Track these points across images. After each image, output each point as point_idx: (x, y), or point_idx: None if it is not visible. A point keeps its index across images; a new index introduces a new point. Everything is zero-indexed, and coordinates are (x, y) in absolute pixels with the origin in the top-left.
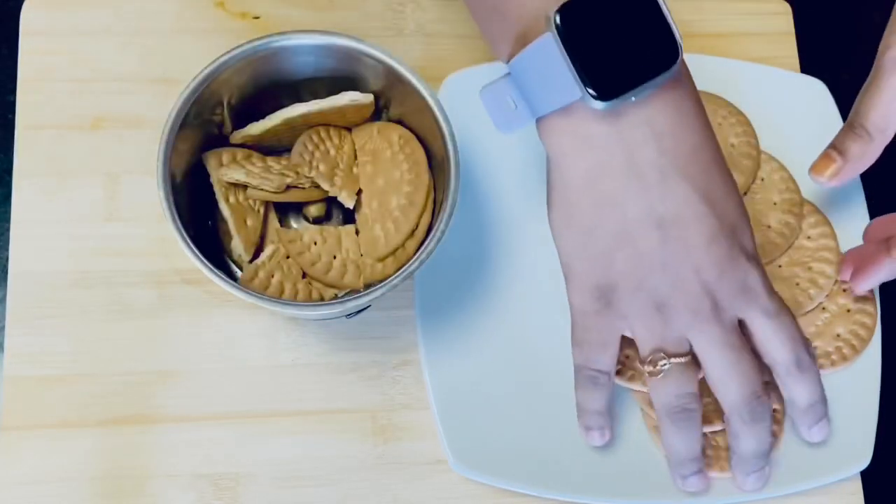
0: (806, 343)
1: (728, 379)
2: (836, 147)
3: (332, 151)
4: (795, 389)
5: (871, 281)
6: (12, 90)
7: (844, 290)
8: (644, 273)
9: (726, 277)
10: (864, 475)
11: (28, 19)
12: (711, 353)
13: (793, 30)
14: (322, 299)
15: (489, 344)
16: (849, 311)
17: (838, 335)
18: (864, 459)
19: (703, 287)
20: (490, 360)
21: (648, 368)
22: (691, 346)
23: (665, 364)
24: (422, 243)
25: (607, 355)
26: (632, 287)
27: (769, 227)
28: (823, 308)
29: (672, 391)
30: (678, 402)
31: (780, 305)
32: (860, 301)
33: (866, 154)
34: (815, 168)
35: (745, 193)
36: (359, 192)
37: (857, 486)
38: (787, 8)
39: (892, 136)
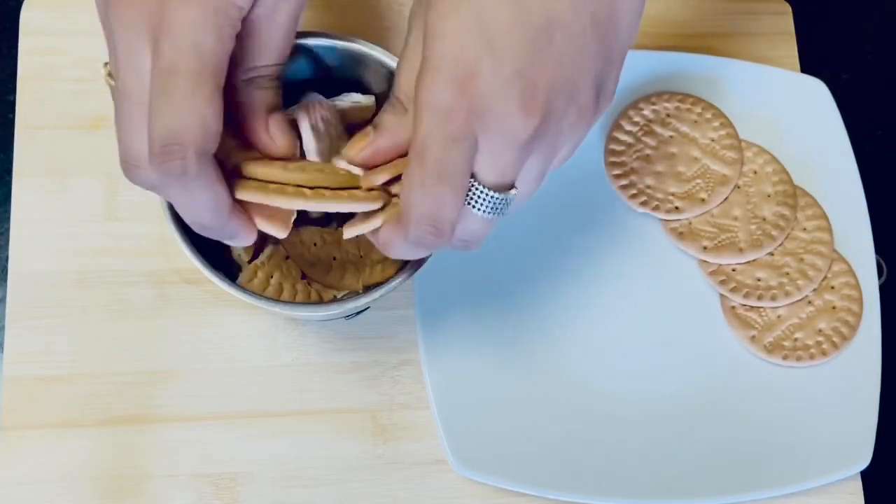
0: (195, 138)
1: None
2: (373, 124)
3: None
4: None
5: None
6: (12, 90)
7: (833, 287)
8: None
9: None
10: (864, 475)
11: (28, 19)
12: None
13: (793, 30)
14: (321, 300)
15: (489, 344)
16: (834, 308)
17: (820, 330)
18: (864, 459)
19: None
20: (490, 360)
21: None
22: None
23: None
24: None
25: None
26: None
27: (764, 219)
28: (809, 301)
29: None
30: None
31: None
32: (846, 300)
33: (401, 125)
34: (351, 146)
35: (738, 187)
36: None
37: (857, 486)
38: (787, 8)
39: None
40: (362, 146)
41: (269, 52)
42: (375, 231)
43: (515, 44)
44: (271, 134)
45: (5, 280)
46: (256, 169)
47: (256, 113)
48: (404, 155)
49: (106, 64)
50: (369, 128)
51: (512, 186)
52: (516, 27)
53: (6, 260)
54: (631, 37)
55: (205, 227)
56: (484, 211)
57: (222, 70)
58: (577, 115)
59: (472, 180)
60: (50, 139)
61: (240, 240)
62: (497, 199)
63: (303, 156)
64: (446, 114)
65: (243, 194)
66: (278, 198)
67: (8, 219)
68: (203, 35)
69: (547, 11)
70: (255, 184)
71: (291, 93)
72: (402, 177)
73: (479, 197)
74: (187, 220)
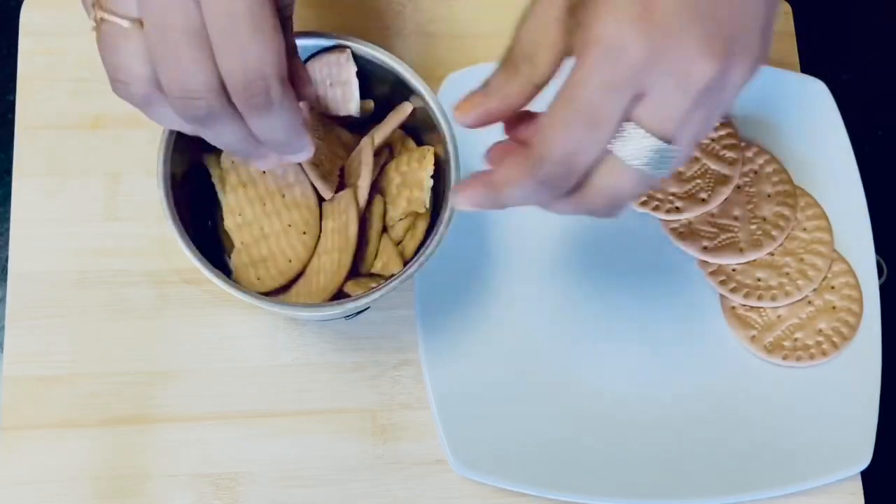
0: (276, 72)
1: (159, 64)
2: (483, 84)
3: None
4: (254, 125)
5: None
6: (12, 90)
7: (833, 287)
8: None
9: None
10: (864, 475)
11: (28, 19)
12: (146, 19)
13: (793, 30)
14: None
15: (489, 344)
16: (834, 308)
17: (820, 330)
18: (864, 459)
19: None
20: (490, 360)
21: (96, 18)
22: None
23: (101, 17)
24: (422, 244)
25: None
26: None
27: (764, 219)
28: (809, 301)
29: (107, 64)
30: (116, 81)
31: (260, 12)
32: (846, 300)
33: (509, 86)
34: (458, 107)
35: (738, 187)
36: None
37: (857, 486)
38: (787, 8)
39: (543, 70)
40: (471, 106)
41: None
42: (477, 178)
43: None
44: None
45: (5, 280)
46: None
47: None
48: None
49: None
50: (479, 88)
51: (670, 141)
52: None
53: (6, 260)
54: None
55: (280, 144)
56: (641, 161)
57: (275, 11)
58: (747, 65)
59: (631, 124)
60: (50, 139)
61: (306, 152)
62: (658, 148)
63: None
64: (616, 51)
65: None
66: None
67: (8, 219)
68: None
69: None
70: None
71: None
72: (544, 113)
73: (636, 145)
74: (259, 140)
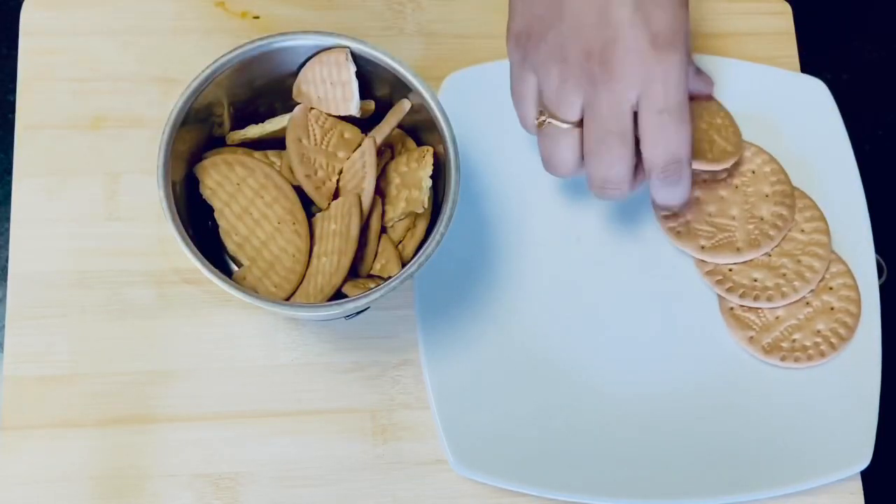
0: (689, 153)
1: (592, 156)
2: None
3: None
4: (660, 194)
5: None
6: (12, 90)
7: (831, 288)
8: (552, 21)
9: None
10: (864, 475)
11: (28, 19)
12: (589, 123)
13: (793, 30)
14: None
15: (489, 344)
16: (832, 308)
17: (818, 331)
18: (864, 459)
19: (603, 46)
20: (490, 360)
21: (540, 121)
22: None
23: (545, 120)
24: (421, 244)
25: (526, 108)
26: (538, 36)
27: (762, 218)
28: (807, 303)
29: (545, 152)
30: (549, 164)
31: (682, 108)
32: (844, 301)
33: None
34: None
35: (737, 187)
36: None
37: (857, 486)
38: (787, 8)
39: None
40: None
41: None
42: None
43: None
44: None
45: (5, 280)
46: None
47: None
48: None
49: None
50: None
51: None
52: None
53: (6, 260)
54: None
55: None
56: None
57: None
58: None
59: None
60: (50, 139)
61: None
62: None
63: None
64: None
65: None
66: None
67: (8, 219)
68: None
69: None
70: None
71: (291, 93)
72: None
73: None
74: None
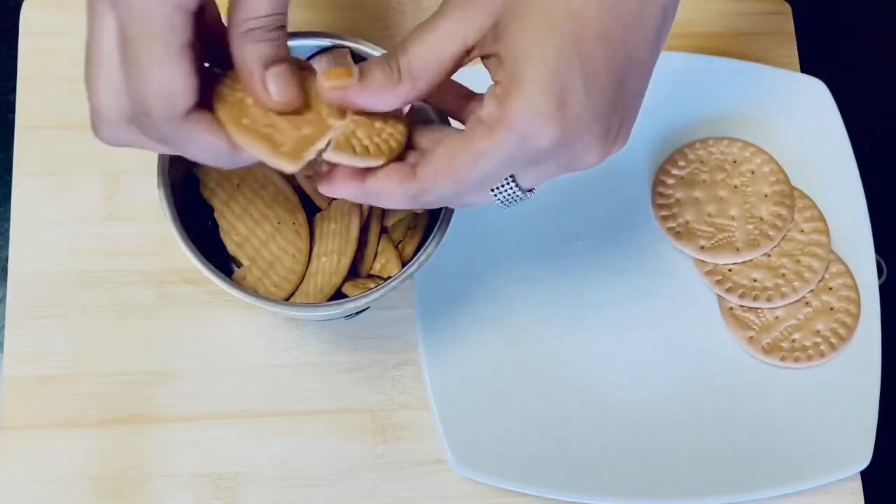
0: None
1: None
2: (363, 67)
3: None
4: None
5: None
6: (12, 90)
7: (831, 289)
8: None
9: None
10: (864, 475)
11: (28, 19)
12: None
13: (793, 30)
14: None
15: (489, 344)
16: (832, 308)
17: (818, 331)
18: (864, 459)
19: None
20: (490, 360)
21: None
22: None
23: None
24: (421, 244)
25: None
26: None
27: (761, 218)
28: (807, 303)
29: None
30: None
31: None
32: (844, 301)
33: (383, 95)
34: (328, 74)
35: (736, 187)
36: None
37: (857, 486)
38: (787, 8)
39: (423, 89)
40: (338, 86)
41: (258, 2)
42: (354, 175)
43: (605, 82)
44: (267, 87)
45: (5, 280)
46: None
47: (250, 68)
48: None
49: None
50: (354, 69)
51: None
52: (606, 63)
53: (6, 260)
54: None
55: (218, 160)
56: (500, 199)
57: (179, 30)
58: (613, 151)
59: (510, 181)
60: (50, 139)
61: (245, 163)
62: (519, 196)
63: None
64: (528, 139)
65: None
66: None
67: (8, 219)
68: None
69: (627, 50)
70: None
71: None
72: (443, 155)
73: (506, 191)
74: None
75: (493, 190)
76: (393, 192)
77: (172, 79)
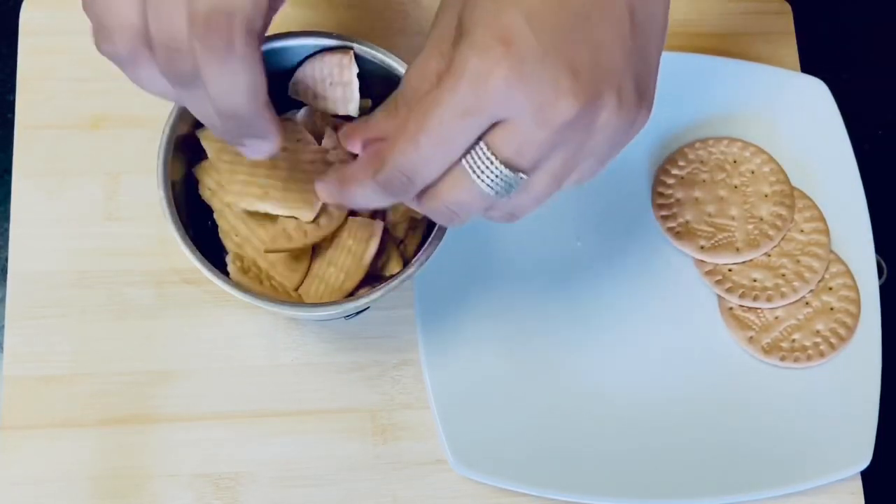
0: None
1: None
2: (367, 120)
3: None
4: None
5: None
6: (12, 90)
7: (831, 289)
8: None
9: None
10: (864, 475)
11: (28, 19)
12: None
13: (793, 30)
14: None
15: (489, 344)
16: (832, 309)
17: (818, 331)
18: (864, 459)
19: None
20: (490, 360)
21: None
22: None
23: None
24: (422, 244)
25: None
26: None
27: (761, 218)
28: (807, 303)
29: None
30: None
31: None
32: (844, 301)
33: (386, 126)
34: (347, 133)
35: (736, 187)
36: None
37: (857, 486)
38: (787, 8)
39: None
40: (356, 134)
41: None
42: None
43: (555, 18)
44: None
45: (5, 280)
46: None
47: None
48: None
49: None
50: (362, 121)
51: (523, 172)
52: (556, 4)
53: (6, 260)
54: (660, 49)
55: (236, 115)
56: (485, 183)
57: None
58: (618, 111)
59: (483, 148)
60: (50, 139)
61: (266, 142)
62: (504, 175)
63: None
64: (477, 78)
65: None
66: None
67: (8, 219)
68: None
69: None
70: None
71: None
72: (395, 120)
73: (485, 167)
74: (213, 109)
75: (467, 163)
76: (357, 174)
77: None
